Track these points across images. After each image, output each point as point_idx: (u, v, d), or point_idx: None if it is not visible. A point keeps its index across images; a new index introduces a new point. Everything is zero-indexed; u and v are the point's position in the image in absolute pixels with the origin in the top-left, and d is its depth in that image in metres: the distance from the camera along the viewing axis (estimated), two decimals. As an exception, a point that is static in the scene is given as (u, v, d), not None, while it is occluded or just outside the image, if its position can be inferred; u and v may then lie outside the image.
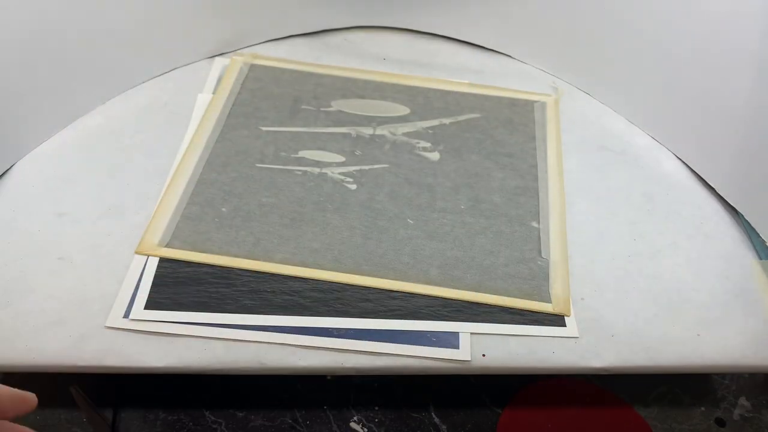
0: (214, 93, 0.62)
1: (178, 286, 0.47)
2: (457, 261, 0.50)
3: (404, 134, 0.60)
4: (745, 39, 0.50)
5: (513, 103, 0.64)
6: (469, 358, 0.44)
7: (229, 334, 0.44)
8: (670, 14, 0.55)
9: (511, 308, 0.47)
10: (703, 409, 0.56)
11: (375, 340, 0.45)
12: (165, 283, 0.47)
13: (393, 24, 0.71)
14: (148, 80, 0.63)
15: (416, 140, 0.59)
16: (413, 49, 0.70)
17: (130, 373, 0.44)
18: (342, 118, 0.61)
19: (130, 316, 0.45)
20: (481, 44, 0.70)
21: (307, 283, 0.48)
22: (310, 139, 0.58)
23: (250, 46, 0.68)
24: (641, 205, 0.56)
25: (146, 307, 0.45)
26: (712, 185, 0.56)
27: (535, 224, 0.53)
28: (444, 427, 0.53)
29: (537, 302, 0.48)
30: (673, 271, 0.51)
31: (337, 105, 0.62)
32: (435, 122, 0.61)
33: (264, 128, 0.59)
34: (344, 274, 0.48)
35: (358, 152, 0.58)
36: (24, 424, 0.30)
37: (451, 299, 0.48)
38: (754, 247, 0.53)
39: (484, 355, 0.45)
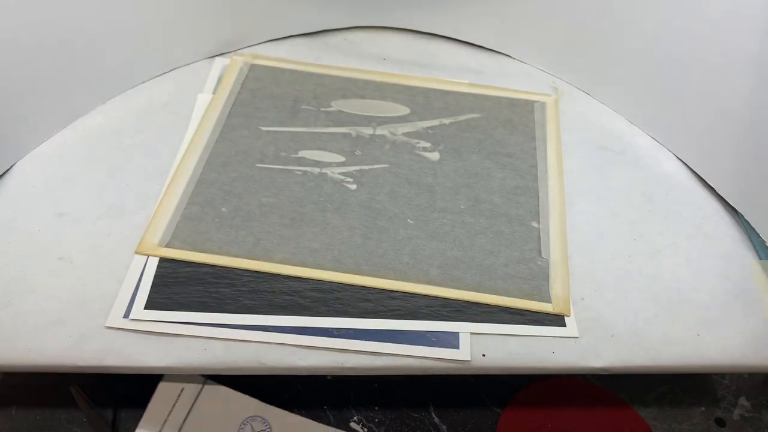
0: (214, 93, 0.62)
1: (178, 286, 0.47)
2: (457, 261, 0.50)
3: (404, 134, 0.60)
4: (745, 39, 0.50)
5: (513, 103, 0.64)
6: (469, 358, 0.44)
7: (229, 334, 0.44)
8: (670, 14, 0.55)
9: (511, 308, 0.47)
10: (703, 409, 0.56)
11: (375, 340, 0.45)
12: (165, 283, 0.47)
13: (393, 24, 0.71)
14: (148, 80, 0.63)
15: (416, 140, 0.59)
16: (413, 49, 0.70)
17: (130, 373, 0.44)
18: (342, 118, 0.61)
19: (130, 316, 0.45)
20: (481, 44, 0.70)
21: (307, 283, 0.48)
22: (310, 139, 0.58)
23: (250, 46, 0.68)
24: (641, 205, 0.56)
25: (146, 307, 0.45)
26: (712, 185, 0.56)
27: (535, 224, 0.53)
28: (444, 427, 0.54)
29: (537, 302, 0.48)
30: (673, 271, 0.51)
31: (337, 105, 0.62)
32: (435, 122, 0.61)
33: (264, 128, 0.59)
34: (344, 274, 0.48)
35: (358, 152, 0.58)
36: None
37: (451, 299, 0.48)
38: (754, 247, 0.53)
39: (484, 355, 0.45)
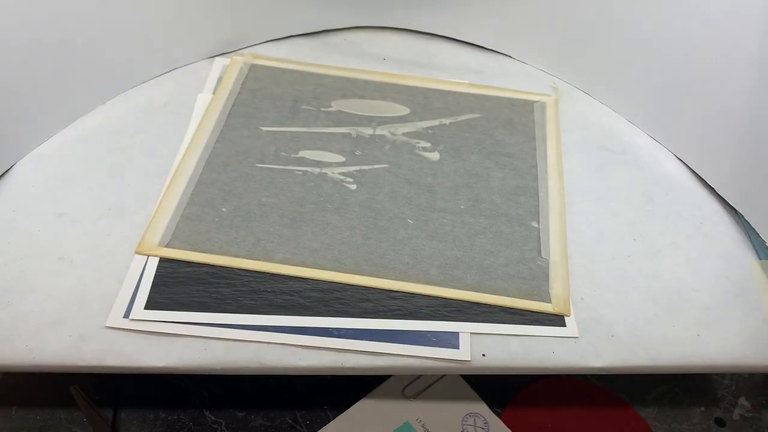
0: (214, 93, 0.62)
1: (178, 286, 0.47)
2: (457, 261, 0.50)
3: (404, 134, 0.60)
4: (745, 39, 0.50)
5: (513, 103, 0.64)
6: (469, 358, 0.44)
7: (229, 334, 0.44)
8: (670, 14, 0.55)
9: (511, 308, 0.47)
10: (702, 409, 0.56)
11: (375, 340, 0.45)
12: (165, 283, 0.47)
13: (393, 24, 0.71)
14: (148, 80, 0.63)
15: (416, 140, 0.59)
16: (413, 49, 0.70)
17: (130, 373, 0.44)
18: (342, 118, 0.61)
19: (130, 316, 0.45)
20: (480, 44, 0.70)
21: (307, 283, 0.48)
22: (310, 139, 0.58)
23: (251, 46, 0.68)
24: (641, 205, 0.56)
25: (146, 307, 0.45)
26: (712, 185, 0.56)
27: (535, 224, 0.53)
28: (444, 427, 0.54)
29: (537, 302, 0.48)
30: (673, 271, 0.51)
31: (337, 105, 0.62)
32: (435, 122, 0.61)
33: (264, 128, 0.59)
34: (344, 274, 0.48)
35: (358, 152, 0.58)
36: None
37: (451, 299, 0.48)
38: (754, 247, 0.53)
39: (484, 355, 0.45)
